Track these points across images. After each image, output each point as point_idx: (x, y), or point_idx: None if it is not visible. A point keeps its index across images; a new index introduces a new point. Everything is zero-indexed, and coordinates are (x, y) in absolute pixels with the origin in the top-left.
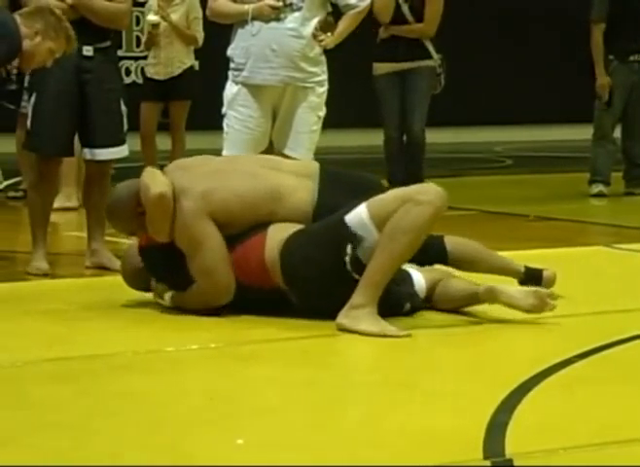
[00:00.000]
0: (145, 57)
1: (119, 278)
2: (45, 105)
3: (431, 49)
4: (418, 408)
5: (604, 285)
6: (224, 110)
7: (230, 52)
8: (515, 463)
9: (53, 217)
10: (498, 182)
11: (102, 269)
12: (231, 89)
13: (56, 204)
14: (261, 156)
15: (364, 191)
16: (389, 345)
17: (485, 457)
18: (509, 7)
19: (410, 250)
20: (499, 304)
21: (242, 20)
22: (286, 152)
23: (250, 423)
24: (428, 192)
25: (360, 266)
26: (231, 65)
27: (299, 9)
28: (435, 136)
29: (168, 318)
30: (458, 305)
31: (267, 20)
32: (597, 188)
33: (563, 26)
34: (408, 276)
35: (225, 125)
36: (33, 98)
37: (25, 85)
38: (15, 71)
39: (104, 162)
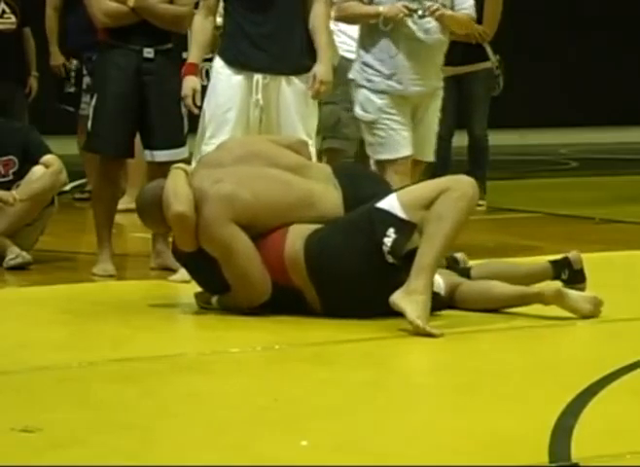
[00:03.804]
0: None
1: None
2: (105, 106)
3: (489, 50)
4: (483, 410)
5: None
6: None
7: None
8: None
9: (119, 218)
10: (563, 184)
11: (167, 270)
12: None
13: (122, 205)
14: (286, 155)
15: (378, 181)
16: (451, 348)
17: (552, 461)
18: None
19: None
20: (561, 307)
21: None
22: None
23: (314, 425)
24: (461, 182)
25: (399, 250)
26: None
27: None
28: (500, 138)
29: (232, 319)
30: (497, 306)
31: None
32: None
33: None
34: None
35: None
36: (94, 100)
37: (84, 87)
38: (72, 73)
39: (165, 164)
